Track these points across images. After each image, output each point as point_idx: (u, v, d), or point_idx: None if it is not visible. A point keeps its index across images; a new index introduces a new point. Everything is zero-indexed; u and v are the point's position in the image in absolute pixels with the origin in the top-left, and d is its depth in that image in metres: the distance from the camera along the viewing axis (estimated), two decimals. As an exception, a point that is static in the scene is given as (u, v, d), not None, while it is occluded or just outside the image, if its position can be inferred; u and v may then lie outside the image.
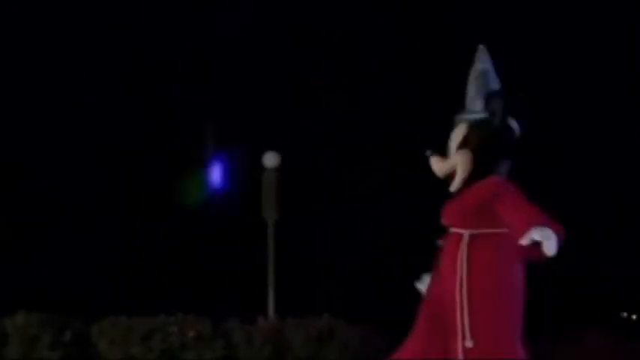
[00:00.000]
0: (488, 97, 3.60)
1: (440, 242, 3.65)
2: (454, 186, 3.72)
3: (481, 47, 3.88)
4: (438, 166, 3.82)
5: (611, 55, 17.16)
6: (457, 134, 3.73)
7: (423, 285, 3.69)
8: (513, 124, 3.71)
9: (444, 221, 3.68)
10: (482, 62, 3.81)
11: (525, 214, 3.33)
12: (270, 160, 13.89)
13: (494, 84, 3.75)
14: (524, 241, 3.24)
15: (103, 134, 21.26)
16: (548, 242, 3.19)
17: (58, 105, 18.83)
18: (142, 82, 21.46)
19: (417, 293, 3.78)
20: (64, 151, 19.04)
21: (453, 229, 3.57)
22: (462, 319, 3.34)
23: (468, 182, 3.64)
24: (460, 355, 3.41)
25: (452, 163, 3.73)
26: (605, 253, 16.87)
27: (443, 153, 3.82)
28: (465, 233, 3.47)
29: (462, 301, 3.37)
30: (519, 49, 16.28)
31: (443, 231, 3.61)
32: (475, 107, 3.70)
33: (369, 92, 17.94)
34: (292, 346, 11.02)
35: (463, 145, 3.67)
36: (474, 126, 3.64)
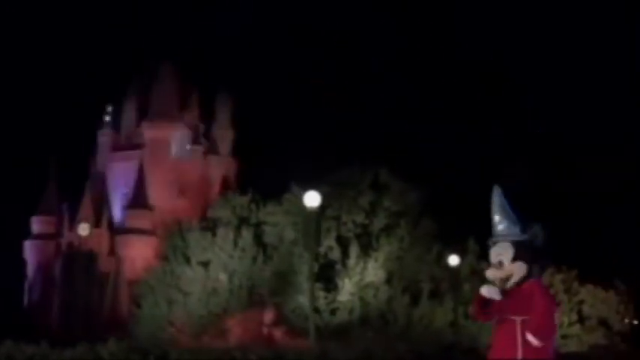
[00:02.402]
0: (530, 225, 5.12)
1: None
2: (509, 286, 5.11)
3: (496, 188, 5.25)
4: (493, 273, 5.14)
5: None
6: (506, 251, 5.15)
7: (485, 290, 4.98)
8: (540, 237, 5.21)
9: (496, 315, 5.03)
10: (499, 196, 5.25)
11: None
12: (312, 200, 14.29)
13: (512, 214, 5.22)
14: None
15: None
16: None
17: (57, 104, 18.86)
18: (141, 81, 21.46)
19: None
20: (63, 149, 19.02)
21: (509, 317, 4.93)
22: None
23: (519, 283, 5.09)
24: None
25: (507, 271, 5.10)
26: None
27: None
28: (518, 319, 4.86)
29: None
30: (519, 49, 16.30)
31: None
32: (512, 231, 5.13)
33: (369, 92, 17.98)
34: None
35: (515, 259, 5.10)
36: (521, 245, 5.11)
